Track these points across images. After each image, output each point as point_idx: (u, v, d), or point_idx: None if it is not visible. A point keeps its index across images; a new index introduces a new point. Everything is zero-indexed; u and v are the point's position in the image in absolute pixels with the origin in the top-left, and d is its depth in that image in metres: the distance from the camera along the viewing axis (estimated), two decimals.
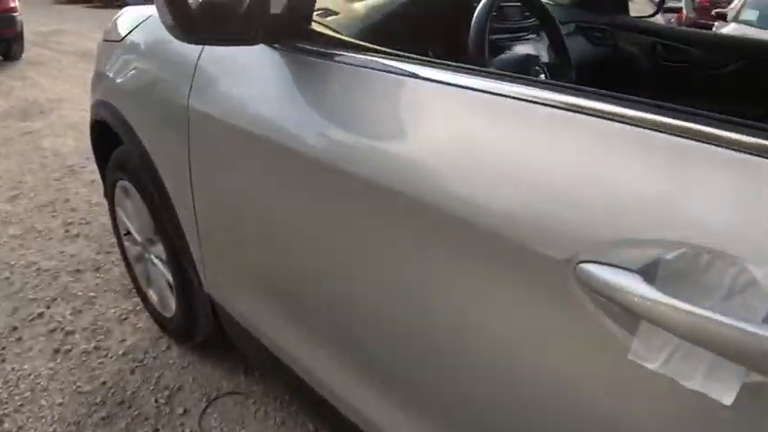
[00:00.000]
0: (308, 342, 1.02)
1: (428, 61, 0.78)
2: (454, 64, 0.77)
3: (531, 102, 0.62)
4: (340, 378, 0.95)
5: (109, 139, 1.54)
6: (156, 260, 1.53)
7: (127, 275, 1.86)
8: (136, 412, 1.39)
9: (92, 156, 1.82)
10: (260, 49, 0.93)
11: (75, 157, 3.11)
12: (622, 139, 0.54)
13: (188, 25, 0.75)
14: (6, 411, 1.38)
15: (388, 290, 0.79)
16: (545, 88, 0.63)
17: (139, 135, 1.30)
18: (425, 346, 0.77)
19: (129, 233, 1.67)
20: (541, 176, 0.58)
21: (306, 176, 0.87)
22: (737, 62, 1.68)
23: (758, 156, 0.46)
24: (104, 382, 1.48)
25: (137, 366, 1.55)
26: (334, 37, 0.94)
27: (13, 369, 1.52)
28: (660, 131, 0.52)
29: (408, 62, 0.79)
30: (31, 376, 1.50)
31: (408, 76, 0.77)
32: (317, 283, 0.94)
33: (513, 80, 0.67)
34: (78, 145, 3.33)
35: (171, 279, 1.45)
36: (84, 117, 3.86)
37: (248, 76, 0.98)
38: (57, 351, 1.59)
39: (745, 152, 0.47)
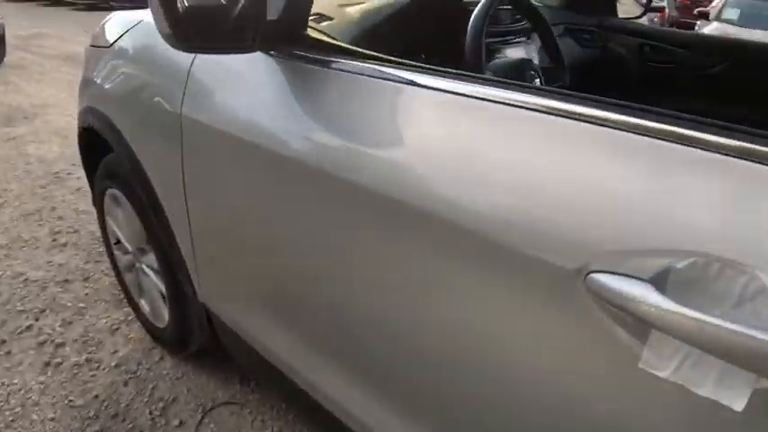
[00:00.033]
0: (306, 349, 1.01)
1: (426, 68, 0.78)
2: (452, 71, 0.77)
3: (532, 109, 0.62)
4: (337, 384, 0.95)
5: (97, 146, 1.52)
6: (147, 270, 1.51)
7: (117, 285, 1.83)
8: (130, 425, 1.37)
9: (78, 162, 1.79)
10: (255, 56, 0.92)
11: (60, 164, 3.06)
12: (630, 148, 0.54)
13: (184, 34, 0.73)
14: None
15: (387, 298, 0.79)
16: (546, 96, 0.62)
17: (130, 143, 1.28)
18: (425, 354, 0.77)
19: (118, 242, 1.64)
20: (547, 186, 0.58)
21: (303, 184, 0.86)
22: (724, 63, 1.70)
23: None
24: (97, 396, 1.46)
25: (130, 378, 1.52)
26: (330, 43, 0.93)
27: (2, 384, 1.49)
28: (668, 140, 0.52)
29: (406, 69, 0.78)
30: (22, 391, 1.47)
31: (406, 83, 0.76)
32: (315, 291, 0.93)
33: (514, 87, 0.67)
34: (64, 151, 3.28)
35: (163, 289, 1.43)
36: (69, 122, 3.81)
37: (243, 84, 0.97)
38: (47, 364, 1.56)
39: (754, 161, 0.47)
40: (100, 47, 1.47)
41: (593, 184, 0.55)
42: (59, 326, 1.72)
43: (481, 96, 0.68)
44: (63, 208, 2.53)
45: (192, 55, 1.05)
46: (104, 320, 1.75)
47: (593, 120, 0.57)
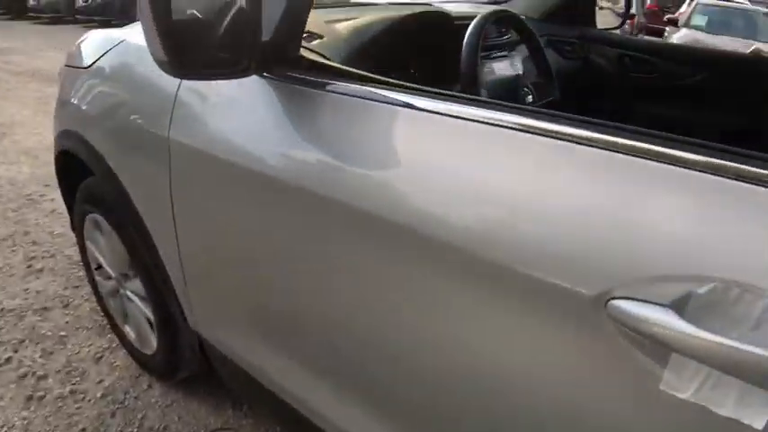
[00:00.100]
0: (303, 372, 0.99)
1: (421, 90, 0.77)
2: (447, 93, 0.76)
3: (538, 134, 0.62)
4: (334, 406, 0.94)
5: (75, 170, 1.48)
6: (132, 296, 1.46)
7: (99, 311, 1.77)
8: None
9: (51, 183, 1.74)
10: (247, 79, 0.90)
11: (32, 186, 2.96)
12: (645, 175, 0.54)
13: (181, 61, 0.71)
14: None
15: (387, 320, 0.78)
16: (551, 120, 0.62)
17: (113, 167, 1.24)
18: (431, 379, 0.76)
19: (100, 267, 1.59)
20: (561, 212, 0.58)
21: (297, 208, 0.85)
22: (702, 72, 1.74)
23: None
24: (84, 429, 1.40)
25: (117, 408, 1.47)
26: (325, 64, 0.91)
27: None
28: (682, 167, 0.52)
29: (402, 91, 0.77)
30: (4, 428, 1.40)
31: (402, 105, 0.75)
32: (313, 314, 0.92)
33: (514, 110, 0.67)
34: (34, 172, 3.18)
35: (151, 315, 1.39)
36: (39, 141, 3.70)
37: (235, 107, 0.94)
38: (30, 398, 1.50)
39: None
40: (77, 67, 1.42)
41: (607, 209, 0.55)
42: (40, 357, 1.65)
43: (481, 119, 0.67)
44: (37, 232, 2.45)
45: None
46: (87, 349, 1.69)
47: (604, 145, 0.57)
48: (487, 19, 1.04)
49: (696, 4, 6.72)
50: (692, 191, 0.52)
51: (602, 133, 0.57)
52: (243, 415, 1.46)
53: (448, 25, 1.24)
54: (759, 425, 0.46)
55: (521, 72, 1.45)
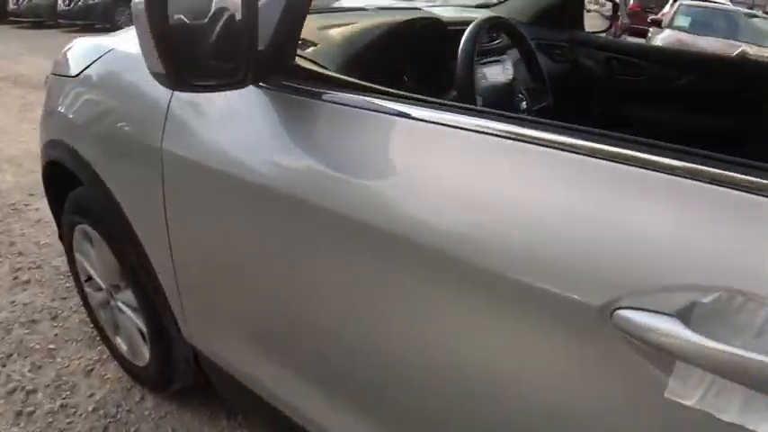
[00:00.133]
0: (299, 383, 0.99)
1: (418, 99, 0.77)
2: (444, 102, 0.76)
3: (539, 144, 0.62)
4: (329, 415, 0.94)
5: (63, 179, 1.45)
6: (124, 307, 1.43)
7: (88, 322, 1.75)
8: None
9: (36, 192, 1.71)
10: (243, 89, 0.89)
11: (16, 195, 2.91)
12: (648, 185, 0.55)
13: (178, 74, 0.70)
14: None
15: (385, 331, 0.78)
16: (550, 130, 0.62)
17: (103, 177, 1.22)
18: (426, 387, 0.76)
19: (90, 279, 1.57)
20: (564, 223, 0.58)
21: (295, 219, 0.84)
22: (690, 75, 1.75)
23: None
24: None
25: (110, 422, 1.44)
26: (320, 73, 0.91)
27: None
28: (687, 178, 0.52)
29: (398, 101, 0.77)
30: None
31: (398, 115, 0.75)
32: (310, 324, 0.91)
33: (513, 120, 0.67)
34: (18, 180, 3.12)
35: (143, 327, 1.37)
36: (24, 150, 3.64)
37: (230, 117, 0.93)
38: (19, 414, 1.47)
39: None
40: (64, 76, 1.40)
41: (612, 219, 0.56)
42: (29, 371, 1.62)
43: (478, 129, 0.68)
44: (23, 242, 2.40)
45: None
46: (77, 362, 1.66)
47: (606, 156, 0.57)
48: (482, 26, 1.04)
49: (679, 5, 6.83)
50: (695, 201, 0.52)
51: (605, 144, 0.58)
52: (237, 425, 1.45)
53: (441, 32, 1.24)
54: (764, 430, 0.47)
55: (512, 76, 1.45)
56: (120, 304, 1.45)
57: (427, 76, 1.22)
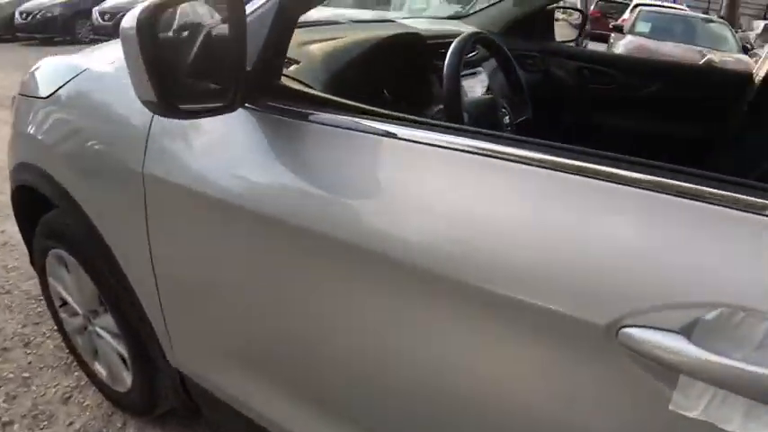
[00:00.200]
0: (290, 406, 0.97)
1: (404, 119, 0.78)
2: (430, 121, 0.77)
3: (536, 165, 0.63)
4: None
5: (34, 203, 1.41)
6: (103, 333, 1.39)
7: (63, 348, 1.69)
8: None
9: (2, 214, 1.63)
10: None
11: None
12: (653, 205, 0.56)
13: (169, 101, 0.69)
14: None
15: (379, 354, 0.78)
16: (544, 151, 0.63)
17: (79, 202, 1.18)
18: (427, 410, 0.76)
19: (65, 304, 1.52)
20: (569, 242, 0.59)
21: (284, 242, 0.84)
22: (658, 83, 1.81)
23: None
24: None
25: None
26: (307, 93, 0.90)
27: None
28: (689, 198, 0.54)
29: (385, 121, 0.78)
30: None
31: (385, 135, 0.76)
32: (301, 347, 0.90)
33: (502, 140, 0.68)
34: None
35: (125, 353, 1.33)
36: None
37: (215, 140, 0.92)
38: None
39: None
40: (34, 97, 1.36)
41: (611, 239, 0.57)
42: (3, 401, 1.56)
43: (466, 149, 0.68)
44: None
45: None
46: (54, 389, 1.61)
47: (605, 177, 0.58)
48: (467, 41, 1.05)
49: (640, 11, 7.06)
50: (697, 221, 0.54)
51: (608, 166, 0.59)
52: None
53: (420, 46, 1.25)
54: None
55: (486, 85, 1.47)
56: (98, 329, 1.41)
57: (407, 91, 1.23)
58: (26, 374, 1.67)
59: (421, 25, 1.70)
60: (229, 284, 0.96)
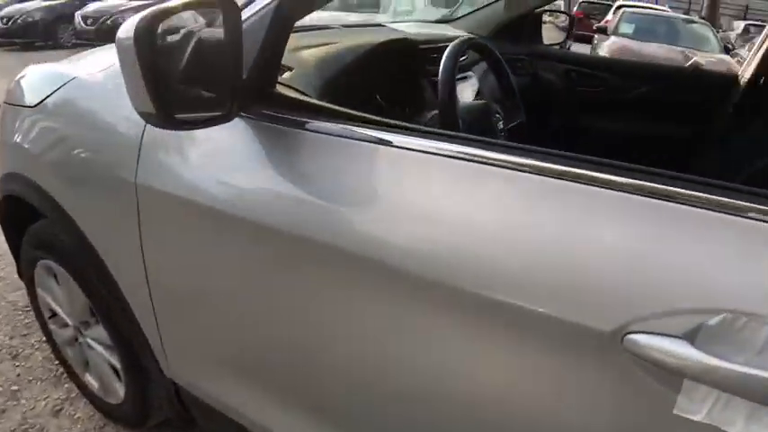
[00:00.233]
0: (291, 414, 0.97)
1: (398, 126, 0.78)
2: (425, 129, 0.77)
3: (537, 173, 0.63)
4: None
5: (22, 213, 1.38)
6: (94, 344, 1.37)
7: (53, 359, 1.66)
8: None
9: None
10: None
11: None
12: (659, 214, 0.57)
13: (167, 113, 0.68)
14: None
15: (387, 364, 0.77)
16: (540, 158, 0.64)
17: (69, 212, 1.17)
18: (434, 420, 0.76)
19: (54, 315, 1.50)
20: (571, 249, 0.59)
21: (281, 252, 0.83)
22: (645, 86, 1.83)
23: None
24: None
25: None
26: (302, 101, 0.90)
27: None
28: (692, 206, 0.55)
29: (379, 129, 0.78)
30: None
31: (379, 143, 0.76)
32: (300, 356, 0.90)
33: (499, 147, 0.69)
34: None
35: (117, 364, 1.32)
36: None
37: (209, 149, 0.91)
38: None
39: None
40: (20, 106, 1.34)
41: (615, 247, 0.58)
42: None
43: (462, 156, 0.69)
44: None
45: None
46: (44, 402, 1.58)
47: (599, 183, 0.59)
48: (462, 46, 1.06)
49: (623, 13, 7.17)
50: (699, 228, 0.55)
51: (609, 173, 0.59)
52: None
53: (414, 53, 1.25)
54: None
55: (476, 90, 1.48)
56: (89, 341, 1.39)
57: (401, 96, 1.23)
58: (15, 387, 1.64)
59: (410, 29, 1.70)
60: (225, 293, 0.96)
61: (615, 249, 0.57)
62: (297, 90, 0.97)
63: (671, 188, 0.56)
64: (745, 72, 1.67)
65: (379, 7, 6.58)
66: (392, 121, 0.79)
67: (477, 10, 2.05)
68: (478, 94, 1.41)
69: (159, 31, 0.66)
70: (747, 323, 0.50)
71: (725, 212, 0.53)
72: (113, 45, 1.18)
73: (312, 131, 0.82)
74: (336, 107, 0.86)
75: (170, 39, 0.74)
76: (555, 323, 0.58)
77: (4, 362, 1.75)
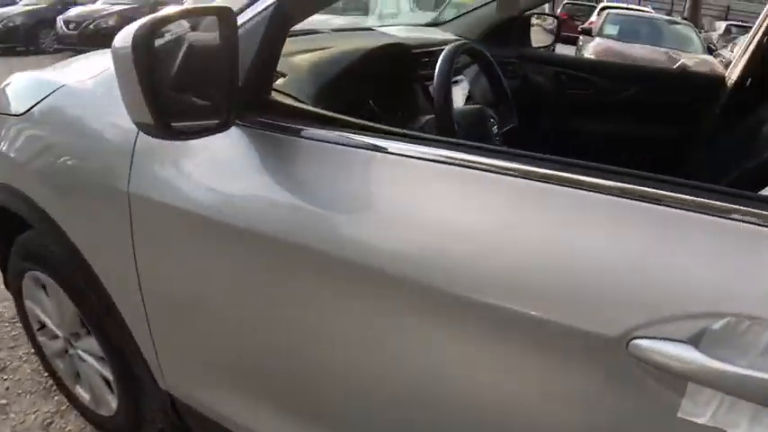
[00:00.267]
0: (289, 424, 0.96)
1: (396, 133, 0.78)
2: (422, 135, 0.77)
3: (537, 180, 0.63)
4: None
5: (8, 223, 1.36)
6: (85, 356, 1.35)
7: (42, 371, 1.63)
8: None
9: None
10: None
11: None
12: (661, 220, 0.57)
13: (165, 123, 0.67)
14: None
15: (377, 370, 0.77)
16: (541, 165, 0.64)
17: (59, 223, 1.15)
18: (430, 426, 0.75)
19: (43, 327, 1.47)
20: (577, 256, 0.59)
21: (277, 261, 0.83)
22: (633, 88, 1.85)
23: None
24: None
25: None
26: (296, 108, 0.89)
27: None
28: (687, 209, 0.55)
29: (375, 135, 0.77)
30: None
31: (375, 149, 0.75)
32: (294, 366, 0.89)
33: (500, 154, 0.68)
34: None
35: (109, 376, 1.30)
36: None
37: (203, 157, 0.90)
38: None
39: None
40: (6, 114, 1.31)
41: (619, 252, 0.58)
42: None
43: (458, 162, 0.68)
44: None
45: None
46: (34, 416, 1.55)
47: (601, 189, 0.59)
48: (456, 51, 1.06)
49: (607, 14, 7.27)
50: (701, 233, 0.55)
51: (610, 179, 0.59)
52: None
53: (406, 58, 1.25)
54: None
55: (467, 93, 1.48)
56: (80, 352, 1.36)
57: (394, 101, 1.23)
58: (3, 401, 1.61)
59: (400, 33, 1.70)
60: (221, 302, 0.95)
61: (618, 254, 0.57)
62: (291, 96, 0.96)
63: (672, 194, 0.56)
64: (732, 74, 1.69)
65: (366, 10, 6.59)
66: (388, 128, 0.79)
67: (466, 13, 2.06)
68: (469, 98, 1.41)
69: (158, 37, 0.65)
70: (750, 327, 0.50)
71: (726, 218, 0.53)
72: (98, 51, 1.17)
73: (308, 139, 0.81)
74: (332, 114, 0.85)
75: (162, 46, 0.73)
76: (559, 329, 0.58)
77: None
